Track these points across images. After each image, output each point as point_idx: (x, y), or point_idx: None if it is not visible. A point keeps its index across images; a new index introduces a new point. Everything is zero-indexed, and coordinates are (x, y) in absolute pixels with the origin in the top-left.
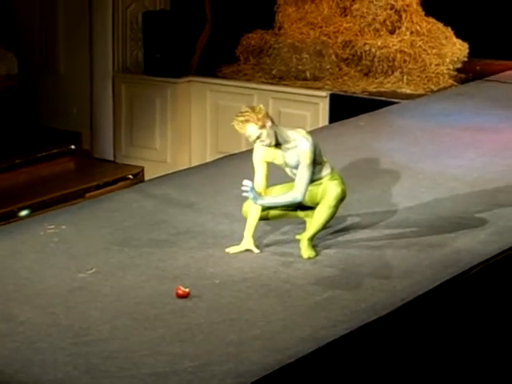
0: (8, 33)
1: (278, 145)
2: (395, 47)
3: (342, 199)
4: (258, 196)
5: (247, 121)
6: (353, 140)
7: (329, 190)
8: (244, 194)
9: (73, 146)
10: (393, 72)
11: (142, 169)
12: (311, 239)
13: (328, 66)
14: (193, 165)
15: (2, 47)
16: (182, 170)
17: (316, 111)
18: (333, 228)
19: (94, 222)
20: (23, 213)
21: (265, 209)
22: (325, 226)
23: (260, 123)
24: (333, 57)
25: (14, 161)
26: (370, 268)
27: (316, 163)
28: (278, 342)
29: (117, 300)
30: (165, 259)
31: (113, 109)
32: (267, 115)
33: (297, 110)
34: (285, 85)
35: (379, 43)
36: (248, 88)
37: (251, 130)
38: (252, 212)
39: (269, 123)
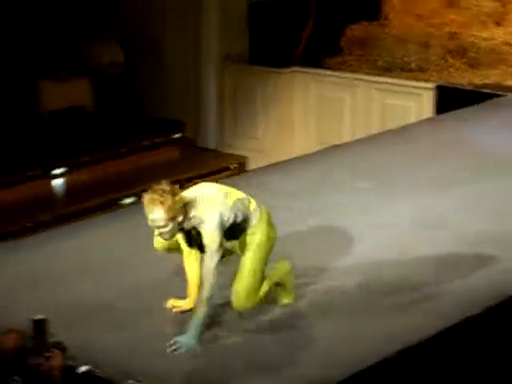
0: (115, 22)
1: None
2: (501, 39)
3: (268, 245)
4: (193, 343)
5: (161, 203)
6: (456, 132)
7: (251, 239)
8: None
9: (177, 135)
10: (498, 64)
11: (246, 159)
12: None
13: (434, 58)
14: (295, 155)
15: (107, 36)
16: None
17: (420, 103)
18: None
19: None
20: (128, 200)
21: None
22: (256, 276)
23: (171, 214)
24: (438, 48)
25: (120, 149)
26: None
27: (238, 228)
28: None
29: None
30: None
31: (216, 98)
32: (183, 208)
33: (401, 100)
34: (390, 76)
35: (485, 35)
36: (352, 79)
37: (158, 215)
38: (189, 273)
39: (180, 218)
